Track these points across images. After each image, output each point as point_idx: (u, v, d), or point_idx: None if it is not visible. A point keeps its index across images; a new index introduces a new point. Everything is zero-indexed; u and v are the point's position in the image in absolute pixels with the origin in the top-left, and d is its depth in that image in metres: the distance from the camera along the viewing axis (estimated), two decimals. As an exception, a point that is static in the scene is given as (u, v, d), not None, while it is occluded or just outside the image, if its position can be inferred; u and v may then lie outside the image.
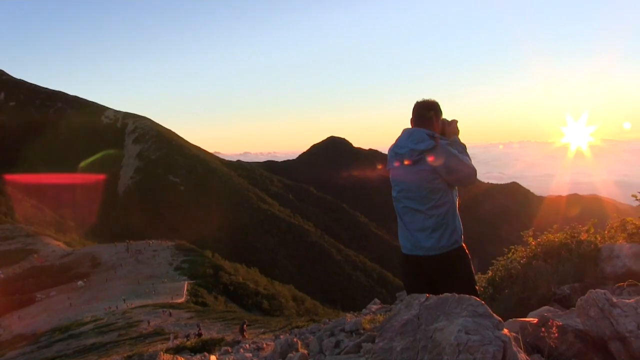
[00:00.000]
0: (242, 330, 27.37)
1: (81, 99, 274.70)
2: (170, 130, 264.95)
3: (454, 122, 3.93)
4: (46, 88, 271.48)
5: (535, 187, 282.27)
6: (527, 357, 2.15)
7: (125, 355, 26.14)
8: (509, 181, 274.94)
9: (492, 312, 2.13)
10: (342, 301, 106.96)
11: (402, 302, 2.51)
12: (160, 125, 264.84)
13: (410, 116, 3.81)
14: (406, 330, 2.22)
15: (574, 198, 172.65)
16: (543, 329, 2.60)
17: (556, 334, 2.51)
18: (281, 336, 19.91)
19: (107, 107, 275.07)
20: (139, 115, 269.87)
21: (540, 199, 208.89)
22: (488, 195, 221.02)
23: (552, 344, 2.50)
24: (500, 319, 2.11)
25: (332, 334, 10.61)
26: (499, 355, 1.89)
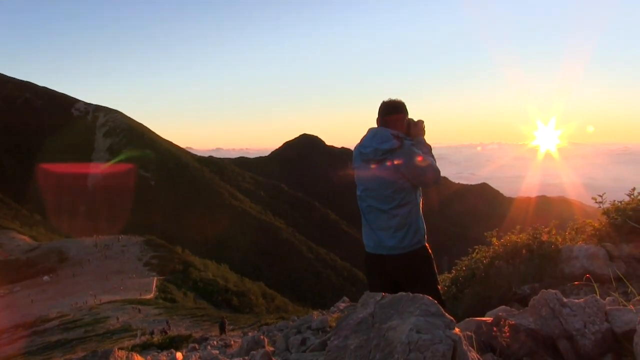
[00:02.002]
0: (222, 327, 26.93)
1: (50, 90, 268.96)
2: (141, 124, 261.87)
3: (420, 122, 3.92)
4: (14, 78, 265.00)
5: (505, 188, 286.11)
6: (479, 356, 2.19)
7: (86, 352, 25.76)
8: (479, 182, 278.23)
9: (444, 312, 2.17)
10: (312, 299, 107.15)
11: (359, 301, 2.53)
12: (132, 119, 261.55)
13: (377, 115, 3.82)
14: (361, 328, 2.24)
15: (542, 200, 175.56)
16: (495, 328, 2.65)
17: (508, 333, 2.56)
18: (249, 333, 19.85)
19: (78, 99, 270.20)
20: (110, 109, 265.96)
21: (509, 200, 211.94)
22: (459, 196, 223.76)
23: (504, 342, 2.55)
24: (452, 318, 2.14)
25: (299, 332, 10.64)
26: (448, 354, 1.92)
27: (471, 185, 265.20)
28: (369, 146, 3.59)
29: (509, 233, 6.82)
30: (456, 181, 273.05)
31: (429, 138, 3.92)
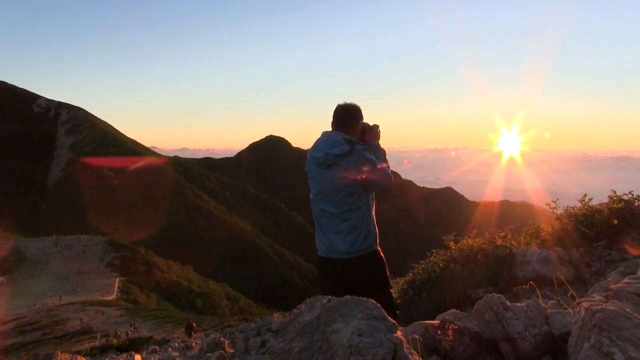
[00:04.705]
0: (189, 330, 26.39)
1: (9, 85, 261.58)
2: (105, 122, 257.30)
3: (375, 126, 3.93)
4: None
5: (469, 192, 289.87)
6: (421, 359, 2.22)
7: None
8: (444, 186, 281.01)
9: (386, 315, 2.19)
10: (277, 301, 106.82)
11: (305, 304, 2.55)
12: (96, 117, 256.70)
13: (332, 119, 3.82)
14: (306, 331, 2.25)
15: (505, 204, 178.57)
16: (440, 332, 2.70)
17: (451, 337, 2.61)
18: (211, 335, 19.69)
19: (39, 95, 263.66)
20: (73, 106, 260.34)
21: (473, 204, 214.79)
22: (423, 200, 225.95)
23: (448, 345, 2.60)
24: (394, 321, 2.17)
25: (259, 334, 10.61)
26: (388, 357, 1.95)
27: (436, 189, 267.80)
28: (320, 150, 3.60)
29: (465, 237, 6.93)
30: (421, 185, 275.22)
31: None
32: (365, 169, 3.48)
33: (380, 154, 3.74)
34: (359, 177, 3.47)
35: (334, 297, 2.44)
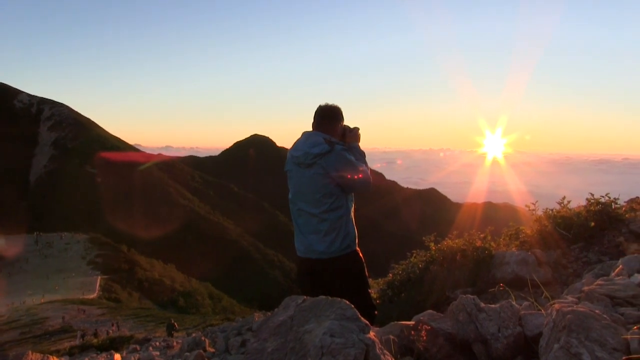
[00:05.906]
0: (170, 330, 26.15)
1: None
2: (89, 119, 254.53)
3: (356, 129, 3.95)
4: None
5: (453, 193, 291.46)
6: (393, 359, 2.23)
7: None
8: (428, 187, 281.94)
9: (359, 316, 2.20)
10: (259, 300, 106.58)
11: (281, 304, 2.55)
12: (79, 113, 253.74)
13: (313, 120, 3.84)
14: (280, 331, 2.26)
15: (488, 206, 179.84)
16: (413, 332, 2.71)
17: (425, 337, 2.62)
18: (192, 334, 19.61)
19: (21, 91, 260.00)
20: (56, 102, 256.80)
21: (457, 205, 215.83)
22: (407, 201, 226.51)
23: (422, 346, 2.61)
24: (367, 322, 2.17)
25: (239, 333, 10.63)
26: (360, 357, 1.95)
27: (420, 190, 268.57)
28: (300, 149, 3.62)
29: (446, 238, 6.96)
30: (405, 186, 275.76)
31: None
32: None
33: (360, 156, 3.76)
34: (337, 177, 3.48)
35: (308, 297, 2.44)
